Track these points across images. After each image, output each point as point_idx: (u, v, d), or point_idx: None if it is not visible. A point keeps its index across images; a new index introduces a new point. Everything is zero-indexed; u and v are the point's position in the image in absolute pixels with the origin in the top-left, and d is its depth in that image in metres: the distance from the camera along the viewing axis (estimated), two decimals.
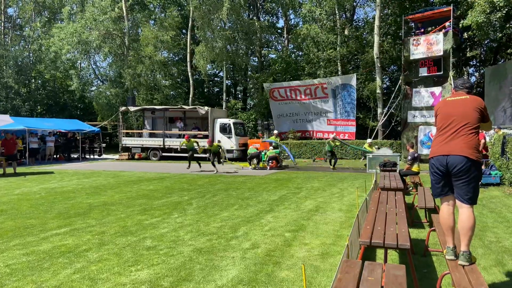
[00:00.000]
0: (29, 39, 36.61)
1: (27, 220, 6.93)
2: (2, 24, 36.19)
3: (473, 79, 29.66)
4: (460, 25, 17.53)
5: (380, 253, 4.88)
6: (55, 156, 22.80)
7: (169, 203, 8.62)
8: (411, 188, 10.05)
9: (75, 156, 23.61)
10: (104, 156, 25.42)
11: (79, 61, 35.24)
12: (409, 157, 9.87)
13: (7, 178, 13.66)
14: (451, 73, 17.72)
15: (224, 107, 29.36)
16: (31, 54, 36.20)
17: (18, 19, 38.53)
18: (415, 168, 9.75)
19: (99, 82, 37.18)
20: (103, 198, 9.29)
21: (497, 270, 4.38)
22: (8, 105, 31.31)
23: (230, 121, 21.54)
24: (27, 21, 37.32)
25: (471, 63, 28.32)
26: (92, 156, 25.00)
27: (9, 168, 15.22)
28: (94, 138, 26.12)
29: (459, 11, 19.45)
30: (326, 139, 24.35)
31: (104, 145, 28.64)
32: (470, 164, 3.39)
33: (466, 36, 23.24)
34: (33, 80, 35.44)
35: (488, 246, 5.24)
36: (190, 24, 28.24)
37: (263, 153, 20.36)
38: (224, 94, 30.52)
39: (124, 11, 29.06)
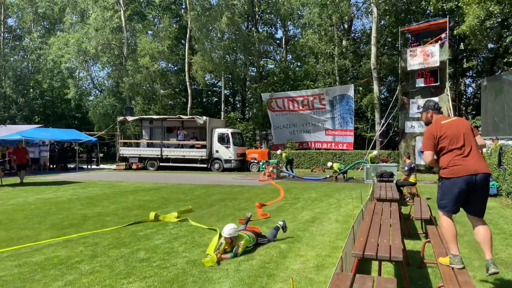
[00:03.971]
0: (28, 49, 36.73)
1: (21, 231, 6.87)
2: (2, 34, 36.33)
3: (470, 89, 29.84)
4: (455, 31, 17.58)
5: (375, 265, 4.83)
6: (51, 166, 22.68)
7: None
8: (408, 198, 10.02)
9: (72, 166, 23.50)
10: (101, 166, 25.33)
11: (77, 71, 35.32)
12: (406, 168, 9.87)
13: (2, 188, 13.60)
14: (447, 84, 17.82)
15: (222, 117, 29.38)
16: (29, 64, 36.29)
17: (18, 30, 38.70)
18: (412, 178, 9.75)
19: (97, 92, 37.25)
20: (98, 208, 9.22)
21: (493, 283, 4.34)
22: (6, 114, 31.28)
23: (228, 131, 21.54)
24: (26, 31, 37.49)
25: (468, 74, 28.47)
26: (89, 166, 24.88)
27: (14, 178, 15.20)
28: (92, 148, 26.04)
29: (453, 20, 19.59)
30: (325, 149, 24.41)
31: (101, 155, 28.52)
32: (489, 179, 3.75)
33: (463, 47, 23.41)
34: (31, 90, 35.48)
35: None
36: (188, 35, 28.41)
37: (261, 163, 20.37)
38: (222, 104, 30.55)
39: (123, 21, 29.24)
